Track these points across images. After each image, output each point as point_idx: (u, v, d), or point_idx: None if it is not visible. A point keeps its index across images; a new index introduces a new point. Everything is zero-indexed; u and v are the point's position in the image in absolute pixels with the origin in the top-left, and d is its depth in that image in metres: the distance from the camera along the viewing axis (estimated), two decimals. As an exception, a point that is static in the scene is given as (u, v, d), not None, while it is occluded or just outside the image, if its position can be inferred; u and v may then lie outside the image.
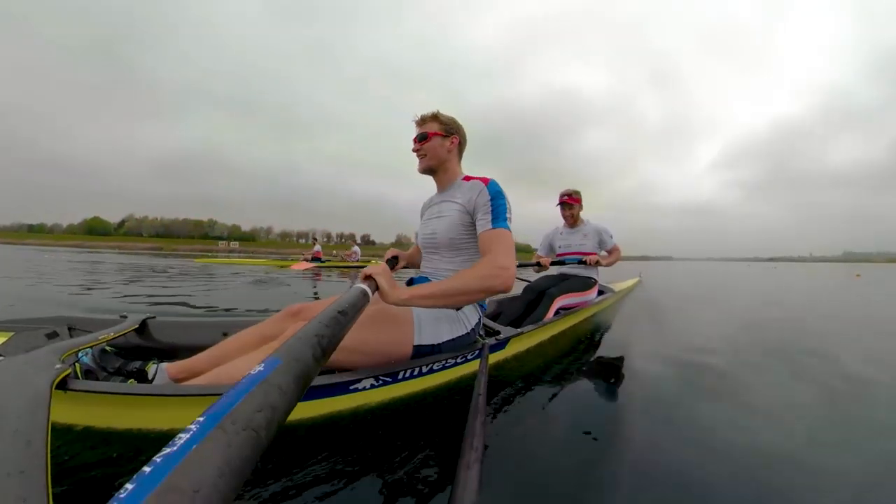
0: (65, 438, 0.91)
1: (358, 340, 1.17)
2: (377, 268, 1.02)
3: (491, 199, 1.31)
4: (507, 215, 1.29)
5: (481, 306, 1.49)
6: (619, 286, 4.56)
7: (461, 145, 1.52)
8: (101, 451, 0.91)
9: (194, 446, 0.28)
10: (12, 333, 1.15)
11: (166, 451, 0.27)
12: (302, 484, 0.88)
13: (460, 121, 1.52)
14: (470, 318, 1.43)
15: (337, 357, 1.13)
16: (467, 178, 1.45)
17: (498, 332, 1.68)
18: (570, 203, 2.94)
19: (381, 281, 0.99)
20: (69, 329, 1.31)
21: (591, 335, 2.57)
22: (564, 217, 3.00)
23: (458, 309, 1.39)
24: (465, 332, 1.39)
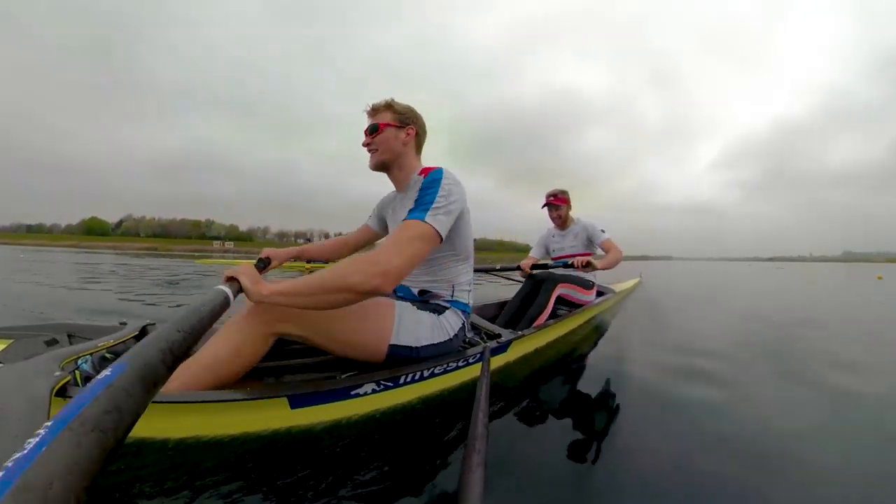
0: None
1: (336, 329, 1.13)
2: (238, 268, 0.98)
3: (420, 189, 1.16)
4: (439, 205, 1.09)
5: (464, 311, 1.39)
6: (619, 287, 4.56)
7: (419, 137, 1.35)
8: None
9: (45, 447, 0.29)
10: (12, 340, 1.14)
11: (17, 455, 0.29)
12: (305, 490, 0.88)
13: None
14: (452, 323, 1.33)
15: (315, 339, 1.13)
16: (424, 172, 1.28)
17: (499, 335, 1.68)
18: (555, 204, 2.74)
19: (244, 280, 0.94)
20: (69, 336, 1.30)
21: (592, 337, 2.57)
22: (552, 219, 2.84)
23: (439, 314, 1.30)
24: (446, 338, 1.30)
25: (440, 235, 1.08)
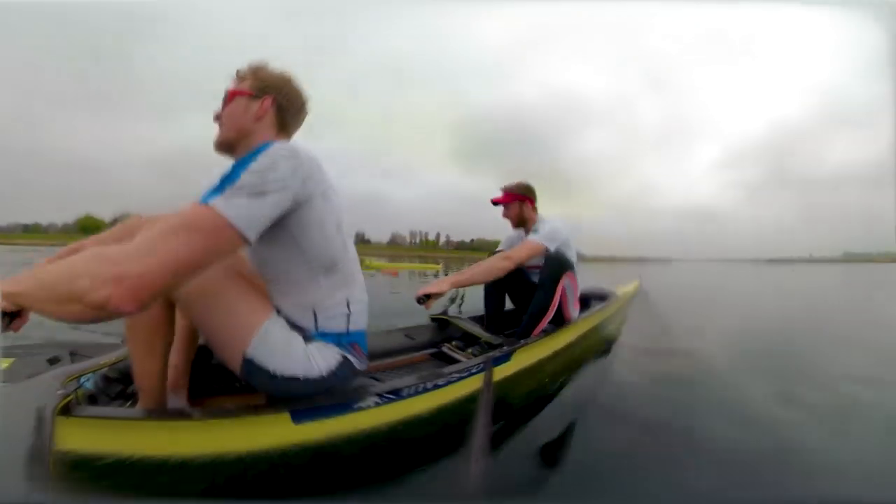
0: (68, 464, 0.90)
1: (199, 309, 0.94)
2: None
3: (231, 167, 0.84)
4: (242, 184, 0.77)
5: (338, 343, 1.05)
6: (620, 290, 4.49)
7: (282, 111, 1.04)
8: (104, 476, 0.90)
9: None
10: (14, 359, 1.15)
11: None
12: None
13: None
14: (325, 358, 1.01)
15: (192, 321, 0.99)
16: None
17: (500, 345, 1.68)
18: (502, 203, 2.19)
19: (8, 287, 0.65)
20: (71, 354, 1.30)
21: (598, 345, 2.53)
22: (508, 220, 2.27)
23: (307, 342, 1.01)
24: (315, 375, 0.99)
25: (238, 230, 0.74)
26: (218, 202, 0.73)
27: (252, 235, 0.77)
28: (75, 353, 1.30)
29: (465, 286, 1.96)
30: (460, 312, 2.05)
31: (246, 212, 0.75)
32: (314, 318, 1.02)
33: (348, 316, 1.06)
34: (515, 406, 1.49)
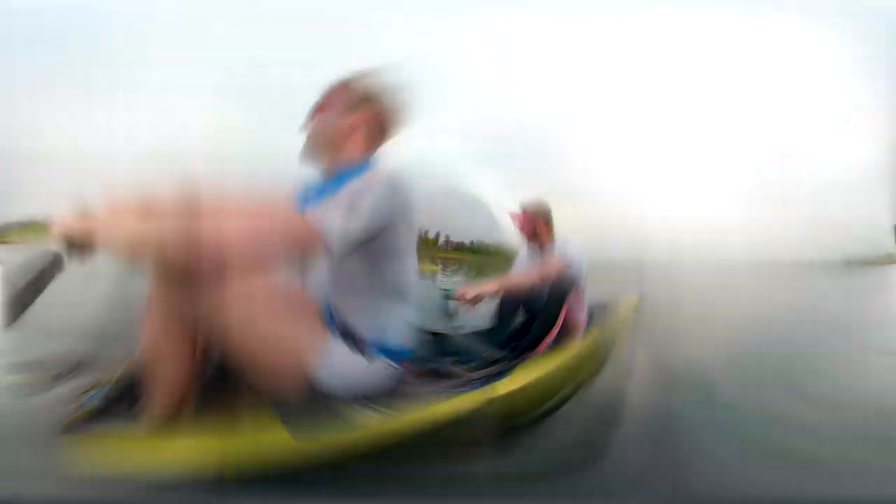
0: (73, 482, 0.91)
1: (247, 330, 0.85)
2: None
3: (333, 177, 0.95)
4: (340, 202, 0.80)
5: (397, 358, 1.09)
6: (623, 301, 4.30)
7: (374, 127, 1.01)
8: (109, 493, 0.91)
9: None
10: (20, 376, 1.15)
11: None
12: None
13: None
14: (383, 376, 1.07)
15: (226, 346, 0.90)
16: None
17: (502, 360, 1.67)
18: (518, 221, 2.25)
19: (90, 226, 0.66)
20: (75, 369, 1.30)
21: (602, 358, 2.39)
22: (523, 235, 2.33)
23: (368, 360, 1.02)
24: (378, 392, 1.04)
25: (327, 245, 0.77)
26: (315, 213, 0.76)
27: (338, 253, 0.80)
28: (80, 368, 1.30)
29: (506, 291, 2.06)
30: (461, 326, 2.05)
31: (339, 229, 0.78)
32: (378, 337, 1.03)
33: (406, 337, 1.10)
34: (516, 422, 1.48)
